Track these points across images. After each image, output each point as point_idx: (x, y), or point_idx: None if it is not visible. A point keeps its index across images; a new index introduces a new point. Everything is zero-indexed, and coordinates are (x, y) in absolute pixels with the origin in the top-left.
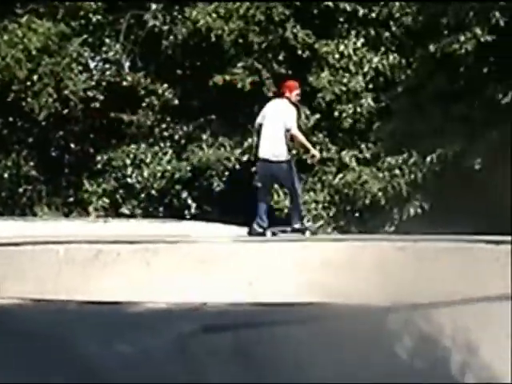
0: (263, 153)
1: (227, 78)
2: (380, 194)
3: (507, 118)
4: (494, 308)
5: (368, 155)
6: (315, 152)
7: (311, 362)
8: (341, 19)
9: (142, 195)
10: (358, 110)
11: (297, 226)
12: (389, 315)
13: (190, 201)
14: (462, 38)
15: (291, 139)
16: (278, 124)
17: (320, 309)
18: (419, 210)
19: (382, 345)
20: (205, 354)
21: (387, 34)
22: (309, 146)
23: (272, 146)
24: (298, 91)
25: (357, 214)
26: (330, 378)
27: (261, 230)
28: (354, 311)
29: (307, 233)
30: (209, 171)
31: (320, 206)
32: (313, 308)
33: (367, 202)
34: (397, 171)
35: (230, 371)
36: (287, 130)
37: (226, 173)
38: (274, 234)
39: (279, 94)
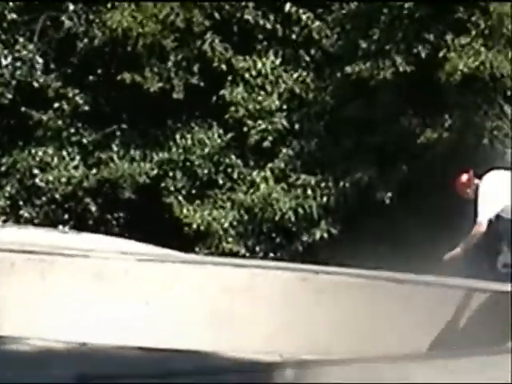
0: None
1: (137, 78)
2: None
3: None
4: None
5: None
6: None
7: None
8: (260, 36)
9: (44, 199)
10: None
11: None
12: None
13: (93, 208)
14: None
15: None
16: None
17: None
18: None
19: None
20: None
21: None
22: None
23: None
24: None
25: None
26: None
27: None
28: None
29: None
30: (118, 183)
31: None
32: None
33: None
34: (309, 192)
35: None
36: None
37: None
38: None
39: None
